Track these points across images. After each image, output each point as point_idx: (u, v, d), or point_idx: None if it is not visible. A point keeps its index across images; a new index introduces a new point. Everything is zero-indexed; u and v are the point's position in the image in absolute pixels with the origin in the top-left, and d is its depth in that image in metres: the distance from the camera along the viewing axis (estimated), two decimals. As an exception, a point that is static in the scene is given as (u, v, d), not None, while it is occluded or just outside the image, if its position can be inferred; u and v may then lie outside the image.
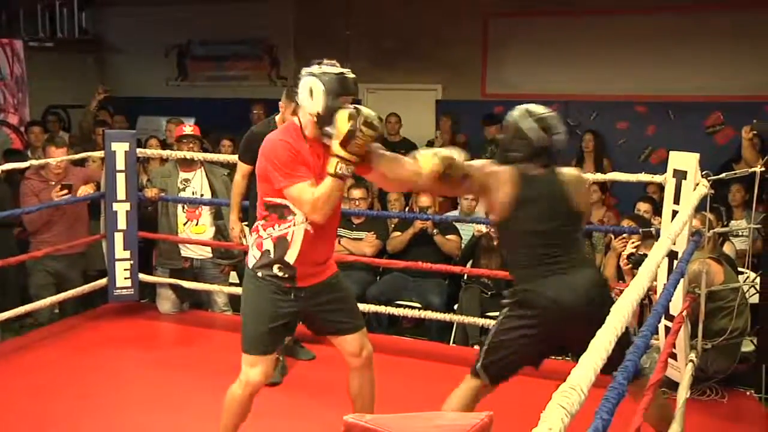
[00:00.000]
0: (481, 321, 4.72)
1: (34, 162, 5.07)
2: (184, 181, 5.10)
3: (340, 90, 2.70)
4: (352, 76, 2.77)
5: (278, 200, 2.74)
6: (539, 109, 2.84)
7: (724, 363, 3.80)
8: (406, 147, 7.59)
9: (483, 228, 5.45)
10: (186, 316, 5.20)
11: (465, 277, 5.52)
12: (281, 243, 2.75)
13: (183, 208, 5.07)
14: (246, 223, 4.38)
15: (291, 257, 2.76)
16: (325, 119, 2.67)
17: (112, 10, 9.85)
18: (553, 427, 1.19)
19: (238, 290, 5.20)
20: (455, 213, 6.33)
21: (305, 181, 2.67)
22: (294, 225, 2.74)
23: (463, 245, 5.71)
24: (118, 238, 4.98)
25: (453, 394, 2.82)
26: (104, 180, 4.99)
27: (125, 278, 5.02)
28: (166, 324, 5.12)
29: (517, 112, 2.84)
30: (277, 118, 4.02)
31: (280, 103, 3.98)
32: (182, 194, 5.07)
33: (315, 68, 2.77)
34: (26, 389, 3.89)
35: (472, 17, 8.10)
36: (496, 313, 5.29)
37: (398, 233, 5.72)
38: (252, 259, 2.82)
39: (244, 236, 4.40)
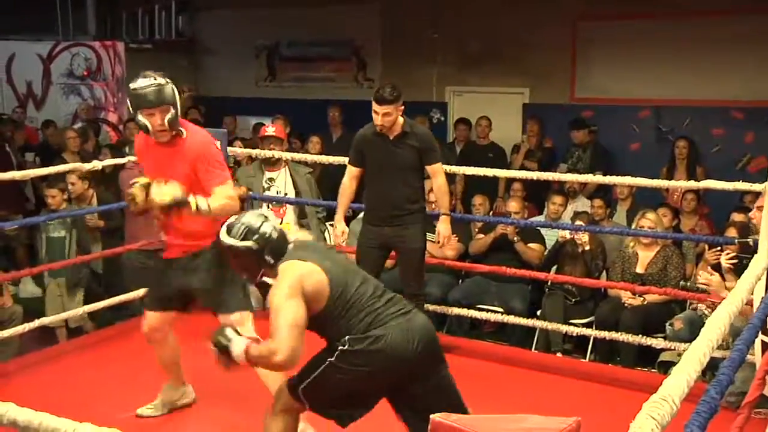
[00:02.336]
0: (564, 328, 4.63)
1: (132, 158, 5.28)
2: (269, 180, 5.20)
3: (138, 105, 3.10)
4: (146, 90, 3.09)
5: None
6: None
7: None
8: (495, 151, 7.57)
9: (567, 234, 5.34)
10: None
11: (549, 282, 5.43)
12: None
13: (267, 206, 5.17)
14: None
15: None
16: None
17: (207, 14, 10.14)
18: (642, 438, 1.15)
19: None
20: (540, 218, 6.23)
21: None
22: None
23: (547, 251, 5.61)
24: (207, 233, 5.10)
25: None
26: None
27: (212, 273, 5.13)
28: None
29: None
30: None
31: (385, 107, 3.95)
32: (267, 193, 5.17)
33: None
34: (117, 376, 4.05)
35: (561, 20, 7.95)
36: (581, 320, 5.24)
37: (481, 236, 5.68)
38: None
39: (347, 237, 4.44)
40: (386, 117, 3.93)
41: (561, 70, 8.05)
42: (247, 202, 5.19)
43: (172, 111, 3.11)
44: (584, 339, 5.04)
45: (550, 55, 8.04)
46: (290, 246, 2.68)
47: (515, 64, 8.17)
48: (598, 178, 5.17)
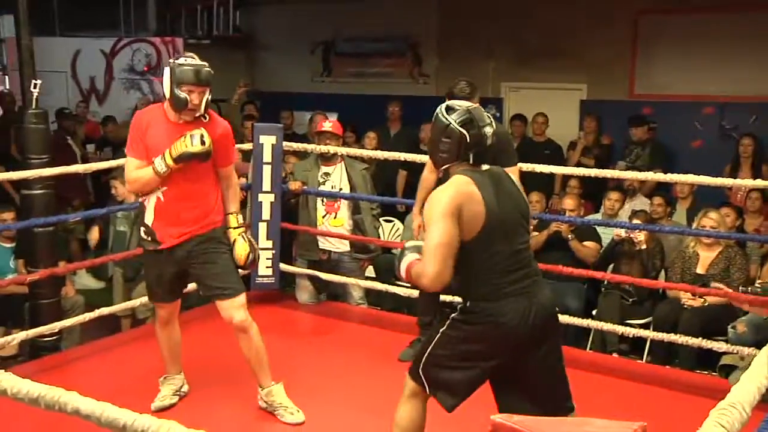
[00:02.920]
0: (621, 329, 4.53)
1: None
2: (324, 174, 5.22)
3: (183, 79, 3.16)
4: (197, 68, 3.19)
5: None
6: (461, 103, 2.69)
7: None
8: (551, 148, 7.47)
9: (622, 232, 5.24)
10: (322, 307, 5.33)
11: (605, 282, 5.33)
12: (141, 208, 3.38)
13: (322, 201, 5.20)
14: None
15: (149, 220, 3.34)
16: (173, 103, 3.22)
17: (264, 9, 10.25)
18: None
19: (375, 284, 5.29)
20: (597, 216, 6.13)
21: (134, 158, 3.30)
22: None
23: (602, 249, 5.51)
24: (262, 227, 5.16)
25: None
26: (251, 171, 5.19)
27: (267, 267, 5.19)
28: (303, 314, 5.27)
29: (438, 112, 2.65)
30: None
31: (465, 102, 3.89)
32: (322, 188, 5.19)
33: (172, 61, 3.26)
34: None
35: (621, 14, 7.79)
36: (637, 321, 5.13)
37: (535, 233, 5.61)
38: None
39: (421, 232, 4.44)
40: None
41: (620, 66, 7.89)
42: (301, 197, 5.24)
43: (209, 94, 3.26)
44: (641, 340, 4.93)
45: (610, 51, 7.89)
46: (485, 167, 2.63)
47: (573, 59, 8.04)
48: (658, 176, 5.04)
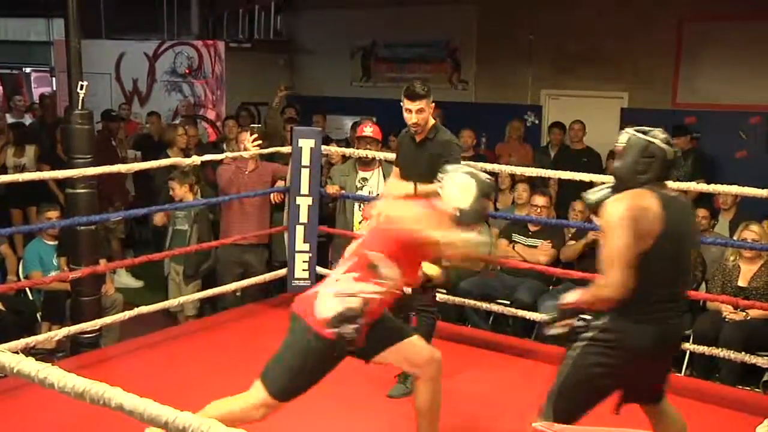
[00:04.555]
0: (659, 341, 4.45)
1: (230, 154, 5.46)
2: (362, 180, 5.23)
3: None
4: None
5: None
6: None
7: None
8: (589, 156, 7.40)
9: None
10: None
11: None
12: (362, 303, 2.71)
13: (359, 206, 5.21)
14: None
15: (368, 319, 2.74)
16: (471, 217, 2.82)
17: (305, 13, 10.33)
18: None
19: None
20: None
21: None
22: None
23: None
24: (300, 230, 5.19)
25: None
26: (290, 174, 5.23)
27: (303, 270, 5.22)
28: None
29: (631, 134, 2.69)
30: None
31: (418, 102, 3.82)
32: (359, 193, 5.20)
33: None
34: (208, 366, 4.17)
35: (665, 21, 7.69)
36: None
37: (573, 242, 5.55)
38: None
39: None
40: (420, 114, 3.80)
41: (663, 74, 7.79)
42: (339, 201, 5.26)
43: None
44: (681, 353, 4.85)
45: (652, 58, 7.79)
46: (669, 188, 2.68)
47: (614, 67, 7.96)
48: (700, 186, 4.96)
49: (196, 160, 5.03)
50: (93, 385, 1.57)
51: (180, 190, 5.59)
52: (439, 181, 2.91)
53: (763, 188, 4.16)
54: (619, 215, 2.50)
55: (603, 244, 2.54)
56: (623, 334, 2.55)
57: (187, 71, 9.86)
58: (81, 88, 4.37)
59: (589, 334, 2.59)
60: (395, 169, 4.19)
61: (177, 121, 8.76)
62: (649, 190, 2.58)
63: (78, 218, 4.37)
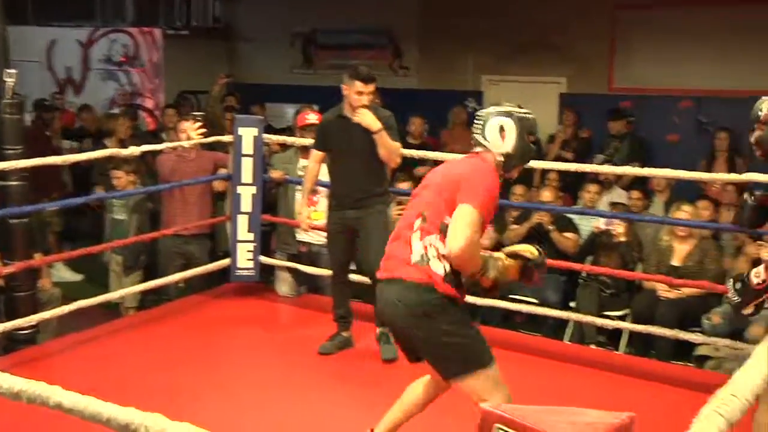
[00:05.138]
0: (599, 321, 4.58)
1: (171, 144, 5.38)
2: (304, 167, 5.21)
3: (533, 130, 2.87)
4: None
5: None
6: None
7: None
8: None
9: (602, 225, 5.29)
10: (302, 299, 5.32)
11: (583, 274, 5.38)
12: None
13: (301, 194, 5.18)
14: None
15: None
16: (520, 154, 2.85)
17: (243, 0, 10.18)
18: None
19: (354, 276, 5.26)
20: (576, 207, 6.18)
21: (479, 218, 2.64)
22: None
23: (581, 241, 5.56)
24: (242, 220, 5.14)
25: None
26: (231, 163, 5.17)
27: (247, 259, 5.18)
28: (283, 306, 5.27)
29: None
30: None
31: (371, 85, 3.96)
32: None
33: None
34: (152, 360, 4.11)
35: (600, 8, 7.83)
36: (615, 313, 5.18)
37: (516, 226, 5.64)
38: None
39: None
40: (370, 95, 3.95)
41: (599, 60, 7.94)
42: (282, 187, 5.23)
43: None
44: (618, 330, 4.99)
45: (589, 45, 7.93)
46: None
47: (553, 53, 8.07)
48: (636, 170, 5.10)
49: (136, 150, 4.92)
50: (29, 384, 1.53)
51: (125, 179, 5.51)
52: (475, 132, 2.82)
53: (693, 170, 4.30)
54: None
55: None
56: None
57: (122, 59, 9.63)
58: (9, 77, 4.24)
59: None
60: (315, 154, 4.24)
61: (114, 111, 8.56)
62: None
63: (10, 209, 4.24)
